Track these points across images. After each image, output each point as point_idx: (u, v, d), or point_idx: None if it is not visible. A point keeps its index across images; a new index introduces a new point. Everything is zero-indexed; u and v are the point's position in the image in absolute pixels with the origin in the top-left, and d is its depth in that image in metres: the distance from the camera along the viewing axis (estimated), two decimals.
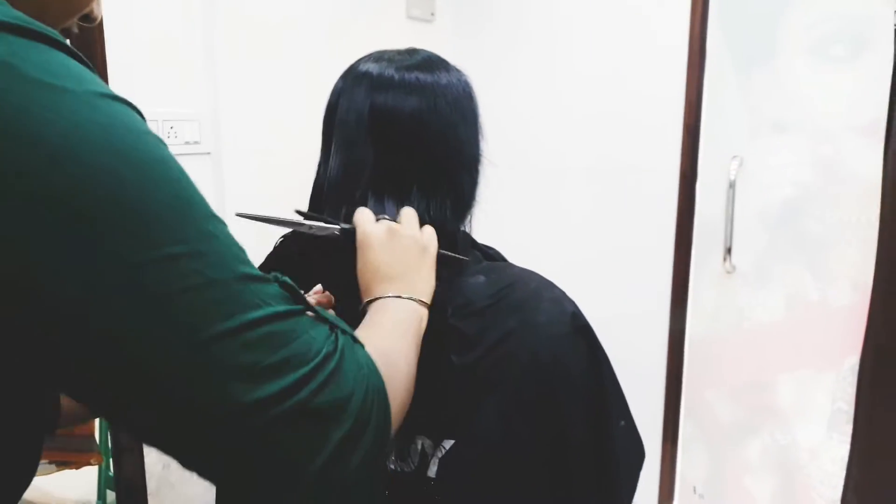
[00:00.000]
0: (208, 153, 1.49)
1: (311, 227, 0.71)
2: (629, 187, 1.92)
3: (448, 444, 0.73)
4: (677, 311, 1.88)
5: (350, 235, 0.71)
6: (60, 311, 0.37)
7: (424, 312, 0.67)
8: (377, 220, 0.72)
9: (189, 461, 0.43)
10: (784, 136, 1.68)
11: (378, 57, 0.79)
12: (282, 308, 0.44)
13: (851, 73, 1.56)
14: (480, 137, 0.81)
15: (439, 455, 0.74)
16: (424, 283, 0.70)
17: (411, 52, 0.80)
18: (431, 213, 0.75)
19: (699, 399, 1.92)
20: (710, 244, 1.82)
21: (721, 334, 1.85)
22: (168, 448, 0.42)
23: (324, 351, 0.45)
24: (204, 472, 0.43)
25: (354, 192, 0.76)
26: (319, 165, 0.81)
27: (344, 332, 0.49)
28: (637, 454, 0.83)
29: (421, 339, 0.65)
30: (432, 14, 2.08)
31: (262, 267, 0.91)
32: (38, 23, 0.39)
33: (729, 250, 1.75)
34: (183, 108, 1.44)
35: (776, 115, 1.69)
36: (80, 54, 0.42)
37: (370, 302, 0.66)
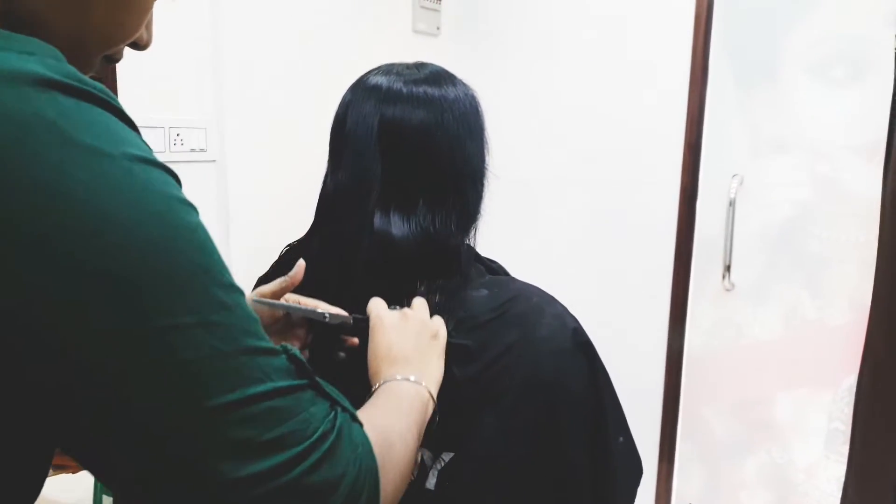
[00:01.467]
0: (214, 161, 1.50)
1: (326, 315, 0.72)
2: (630, 203, 1.93)
3: (447, 456, 0.74)
4: (676, 328, 1.89)
5: (363, 325, 0.72)
6: (71, 367, 0.37)
7: (430, 402, 0.67)
8: (391, 308, 0.73)
9: None
10: (784, 155, 1.70)
11: (387, 70, 0.80)
12: (284, 383, 0.44)
13: (851, 94, 1.58)
14: (486, 152, 0.81)
15: (438, 467, 0.74)
16: (434, 370, 0.70)
17: (420, 66, 0.81)
18: (436, 226, 0.76)
19: (696, 416, 1.92)
20: (710, 261, 1.83)
21: (719, 351, 1.86)
22: None
23: (321, 430, 0.44)
24: None
25: (361, 205, 0.76)
26: (326, 176, 0.82)
27: (344, 409, 0.48)
28: (635, 470, 0.83)
29: (424, 425, 0.64)
30: (438, 28, 2.09)
31: (266, 276, 0.92)
32: (88, 80, 0.40)
33: (728, 268, 1.76)
34: (189, 115, 1.45)
35: (777, 135, 1.70)
36: (125, 112, 0.42)
37: (379, 385, 0.66)
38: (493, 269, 0.87)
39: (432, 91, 0.76)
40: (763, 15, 1.69)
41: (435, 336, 0.72)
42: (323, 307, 0.73)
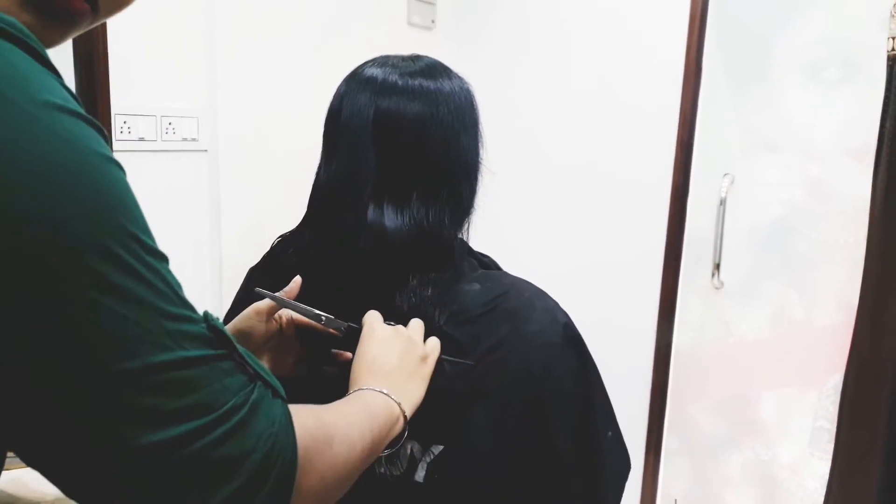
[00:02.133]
0: (205, 150, 1.49)
1: (322, 317, 0.72)
2: (621, 200, 1.94)
3: (437, 449, 0.74)
4: (664, 325, 1.90)
5: (355, 333, 0.71)
6: None
7: (400, 419, 0.64)
8: (386, 322, 0.73)
9: (72, 490, 0.41)
10: (775, 155, 1.71)
11: (382, 62, 0.79)
12: (197, 353, 0.42)
13: (843, 96, 1.59)
14: (481, 146, 0.81)
15: (427, 460, 0.74)
16: (413, 391, 0.68)
17: (415, 58, 0.81)
18: (430, 219, 0.76)
19: (683, 412, 1.93)
20: (700, 259, 1.84)
21: (707, 349, 1.87)
22: (54, 475, 0.41)
23: (231, 402, 0.43)
24: None
25: (354, 197, 0.76)
26: (319, 168, 0.82)
27: (266, 384, 0.47)
28: (623, 465, 0.84)
29: (384, 439, 0.62)
30: (433, 21, 2.09)
31: (257, 267, 0.91)
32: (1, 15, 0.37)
33: (718, 266, 1.77)
34: (181, 104, 1.44)
35: (768, 135, 1.71)
36: (45, 53, 0.39)
37: (352, 392, 0.65)
38: (486, 263, 0.87)
39: (428, 83, 0.76)
40: (757, 16, 1.70)
41: (423, 359, 0.71)
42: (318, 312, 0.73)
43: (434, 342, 0.73)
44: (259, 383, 0.46)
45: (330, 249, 0.77)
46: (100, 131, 0.40)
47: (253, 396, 0.45)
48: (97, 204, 0.38)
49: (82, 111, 0.39)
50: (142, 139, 1.36)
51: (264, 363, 0.75)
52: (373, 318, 0.72)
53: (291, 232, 0.86)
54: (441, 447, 0.74)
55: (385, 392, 0.65)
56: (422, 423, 0.73)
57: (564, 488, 0.76)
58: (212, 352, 0.43)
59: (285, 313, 0.76)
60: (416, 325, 0.74)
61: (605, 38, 1.93)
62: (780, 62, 1.67)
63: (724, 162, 1.77)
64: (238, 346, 0.46)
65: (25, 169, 0.35)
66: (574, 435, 0.77)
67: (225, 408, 0.42)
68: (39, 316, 0.36)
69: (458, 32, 2.16)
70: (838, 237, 1.62)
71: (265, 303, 0.74)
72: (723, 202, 1.75)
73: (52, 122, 0.36)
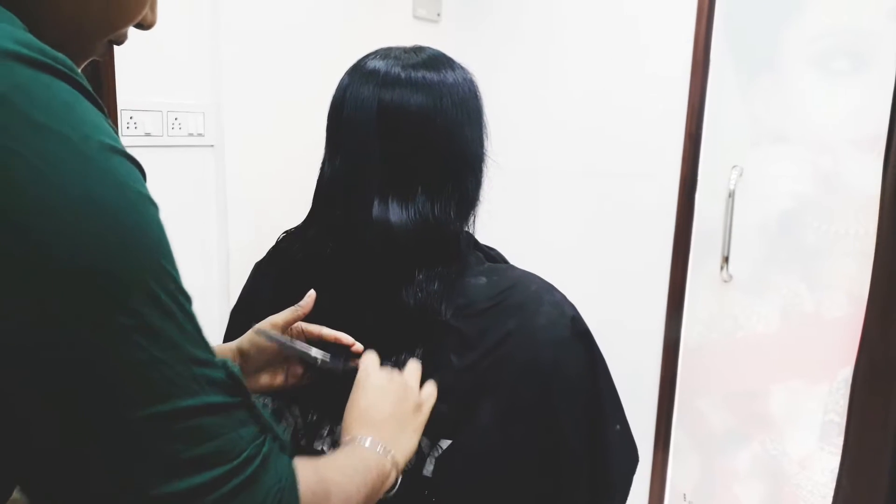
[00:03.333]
0: (212, 146, 1.49)
1: (318, 360, 0.72)
2: (629, 192, 1.93)
3: (445, 443, 0.74)
4: (673, 318, 1.89)
5: (351, 374, 0.71)
6: (12, 357, 0.35)
7: (392, 471, 0.64)
8: (384, 363, 0.72)
9: None
10: (784, 146, 1.69)
11: (385, 54, 0.79)
12: (218, 399, 0.42)
13: (853, 86, 1.57)
14: (485, 137, 0.81)
15: (436, 454, 0.74)
16: (406, 442, 0.67)
17: (418, 49, 0.80)
18: (435, 213, 0.75)
19: (692, 406, 1.92)
20: (708, 252, 1.83)
21: (716, 343, 1.86)
22: None
23: (246, 454, 0.42)
24: None
25: (359, 192, 0.76)
26: (324, 163, 0.81)
27: (275, 437, 0.46)
28: (631, 459, 0.83)
29: (378, 494, 0.61)
30: (438, 14, 2.08)
31: (263, 263, 0.91)
32: (50, 51, 0.37)
33: (726, 259, 1.76)
34: (187, 99, 1.44)
35: (777, 126, 1.70)
36: (91, 90, 0.39)
37: (346, 442, 0.64)
38: (492, 256, 0.87)
39: (431, 75, 0.76)
40: (765, 6, 1.68)
41: (418, 408, 0.70)
42: (315, 352, 0.72)
43: (430, 390, 0.72)
44: (269, 436, 0.46)
45: (335, 245, 0.77)
46: (140, 170, 0.41)
47: (264, 449, 0.44)
48: (142, 245, 0.38)
49: (126, 151, 0.39)
50: (148, 134, 1.36)
51: (265, 378, 0.76)
52: (368, 362, 0.71)
53: (297, 227, 0.86)
54: (449, 441, 0.74)
55: (379, 450, 0.63)
56: (430, 417, 0.72)
57: (572, 482, 0.76)
58: (230, 399, 0.43)
59: (296, 326, 0.75)
60: (413, 370, 0.72)
61: (612, 29, 1.91)
62: (789, 52, 1.66)
63: (733, 154, 1.76)
64: (251, 395, 0.45)
65: (78, 209, 0.35)
66: (582, 429, 0.76)
67: (240, 459, 0.42)
68: (80, 354, 0.36)
69: (463, 25, 2.15)
70: (848, 228, 1.60)
71: (282, 316, 0.74)
72: (731, 194, 1.73)
73: (104, 163, 0.37)
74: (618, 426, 0.80)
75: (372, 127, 0.74)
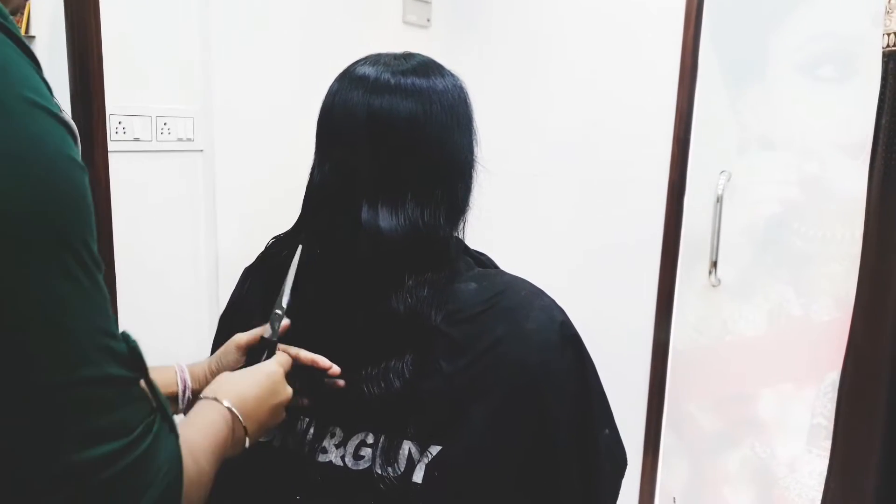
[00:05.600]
0: (201, 150, 1.48)
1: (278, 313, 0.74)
2: (618, 198, 1.94)
3: (435, 449, 0.74)
4: (662, 323, 1.90)
5: (270, 346, 0.72)
6: None
7: (241, 431, 0.62)
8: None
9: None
10: (772, 152, 1.70)
11: (374, 60, 0.79)
12: (119, 372, 0.41)
13: (839, 92, 1.59)
14: (475, 143, 0.81)
15: (426, 461, 0.74)
16: (263, 415, 0.66)
17: (407, 56, 0.80)
18: (425, 219, 0.75)
19: (681, 410, 1.93)
20: (697, 257, 1.84)
21: (704, 347, 1.87)
22: None
23: (140, 428, 0.42)
24: None
25: (348, 197, 0.76)
26: (313, 168, 0.81)
27: (164, 417, 0.45)
28: (620, 462, 0.83)
29: (225, 453, 0.59)
30: (428, 20, 2.08)
31: (252, 268, 0.91)
32: None
33: (715, 264, 1.77)
34: (177, 104, 1.43)
35: (764, 132, 1.71)
36: (25, 42, 0.37)
37: (203, 397, 0.63)
38: (482, 261, 0.87)
39: (420, 82, 0.76)
40: (752, 12, 1.70)
41: (280, 404, 0.68)
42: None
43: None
44: (159, 415, 0.45)
45: (324, 250, 0.77)
46: (70, 131, 0.39)
47: (155, 427, 0.43)
48: (57, 206, 0.37)
49: (55, 110, 0.38)
50: (137, 139, 1.36)
51: None
52: (279, 362, 0.71)
53: (286, 233, 0.86)
54: (439, 447, 0.74)
55: (225, 403, 0.61)
56: (419, 423, 0.72)
57: (562, 486, 0.76)
58: (129, 374, 0.42)
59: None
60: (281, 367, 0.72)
61: (600, 35, 1.93)
62: (776, 59, 1.67)
63: (721, 159, 1.77)
64: (149, 371, 0.44)
65: (7, 170, 0.34)
66: (571, 433, 0.76)
67: (135, 433, 0.41)
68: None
69: (453, 31, 2.15)
70: (835, 233, 1.62)
71: (244, 336, 0.74)
72: (719, 199, 1.75)
73: (26, 119, 0.35)
74: (607, 430, 0.80)
75: (361, 133, 0.75)
